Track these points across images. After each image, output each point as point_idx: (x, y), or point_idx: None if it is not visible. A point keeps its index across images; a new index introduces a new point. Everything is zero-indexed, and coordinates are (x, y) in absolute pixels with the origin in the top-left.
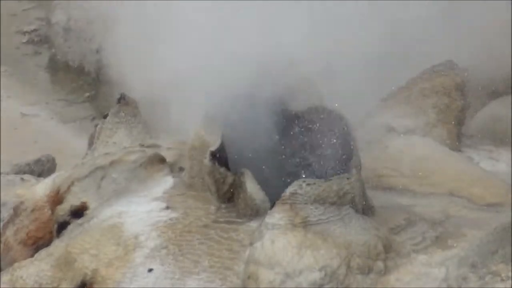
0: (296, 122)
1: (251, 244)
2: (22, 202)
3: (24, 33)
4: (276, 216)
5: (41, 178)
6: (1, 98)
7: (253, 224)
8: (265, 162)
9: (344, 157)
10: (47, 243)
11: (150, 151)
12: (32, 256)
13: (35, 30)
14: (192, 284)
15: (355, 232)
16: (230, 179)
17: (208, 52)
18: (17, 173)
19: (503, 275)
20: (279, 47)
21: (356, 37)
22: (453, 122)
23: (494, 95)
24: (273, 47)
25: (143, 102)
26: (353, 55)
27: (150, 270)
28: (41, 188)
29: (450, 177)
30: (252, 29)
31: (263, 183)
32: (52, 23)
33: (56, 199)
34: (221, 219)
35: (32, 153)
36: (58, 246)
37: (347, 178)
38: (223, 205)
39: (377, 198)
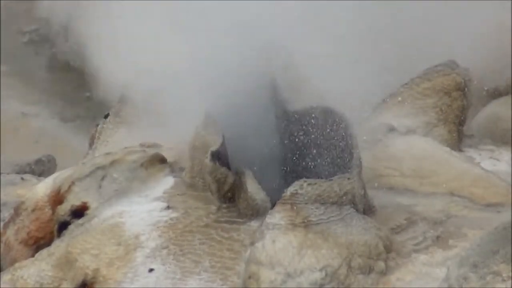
0: (297, 121)
1: (252, 244)
2: (23, 202)
3: (25, 33)
4: (277, 216)
5: (42, 178)
6: (2, 98)
7: (254, 224)
8: (265, 162)
9: (345, 157)
10: (48, 243)
11: (150, 151)
12: (33, 256)
13: (35, 30)
14: (193, 284)
15: (356, 232)
16: (231, 179)
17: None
18: (17, 173)
19: (504, 275)
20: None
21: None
22: (454, 122)
23: (494, 95)
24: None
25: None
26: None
27: (151, 270)
28: (42, 188)
29: (451, 177)
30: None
31: (263, 182)
32: (52, 23)
33: (57, 199)
34: (222, 219)
35: (32, 153)
36: (59, 246)
37: (348, 178)
38: (224, 205)
39: (378, 198)
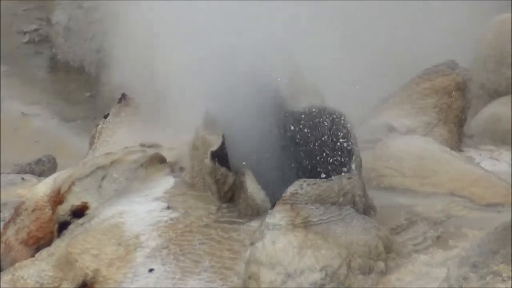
0: (297, 121)
1: (252, 244)
2: (23, 202)
3: (25, 33)
4: (277, 216)
5: (42, 178)
6: (2, 98)
7: (254, 224)
8: (265, 162)
9: (345, 157)
10: (48, 243)
11: (151, 151)
12: (33, 256)
13: (35, 30)
14: (193, 284)
15: (356, 232)
16: (231, 179)
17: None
18: (18, 173)
19: (504, 275)
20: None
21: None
22: (454, 122)
23: (494, 95)
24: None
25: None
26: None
27: (151, 270)
28: (42, 188)
29: (451, 177)
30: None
31: (263, 183)
32: (52, 23)
33: (57, 199)
34: (222, 219)
35: (33, 153)
36: (59, 246)
37: (348, 178)
38: (224, 205)
39: (378, 198)
